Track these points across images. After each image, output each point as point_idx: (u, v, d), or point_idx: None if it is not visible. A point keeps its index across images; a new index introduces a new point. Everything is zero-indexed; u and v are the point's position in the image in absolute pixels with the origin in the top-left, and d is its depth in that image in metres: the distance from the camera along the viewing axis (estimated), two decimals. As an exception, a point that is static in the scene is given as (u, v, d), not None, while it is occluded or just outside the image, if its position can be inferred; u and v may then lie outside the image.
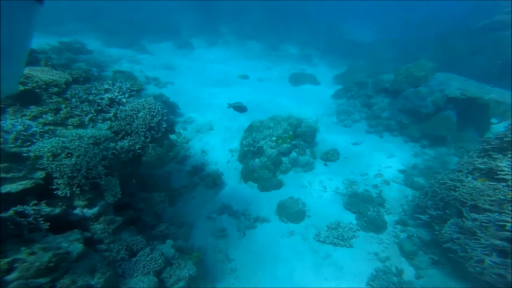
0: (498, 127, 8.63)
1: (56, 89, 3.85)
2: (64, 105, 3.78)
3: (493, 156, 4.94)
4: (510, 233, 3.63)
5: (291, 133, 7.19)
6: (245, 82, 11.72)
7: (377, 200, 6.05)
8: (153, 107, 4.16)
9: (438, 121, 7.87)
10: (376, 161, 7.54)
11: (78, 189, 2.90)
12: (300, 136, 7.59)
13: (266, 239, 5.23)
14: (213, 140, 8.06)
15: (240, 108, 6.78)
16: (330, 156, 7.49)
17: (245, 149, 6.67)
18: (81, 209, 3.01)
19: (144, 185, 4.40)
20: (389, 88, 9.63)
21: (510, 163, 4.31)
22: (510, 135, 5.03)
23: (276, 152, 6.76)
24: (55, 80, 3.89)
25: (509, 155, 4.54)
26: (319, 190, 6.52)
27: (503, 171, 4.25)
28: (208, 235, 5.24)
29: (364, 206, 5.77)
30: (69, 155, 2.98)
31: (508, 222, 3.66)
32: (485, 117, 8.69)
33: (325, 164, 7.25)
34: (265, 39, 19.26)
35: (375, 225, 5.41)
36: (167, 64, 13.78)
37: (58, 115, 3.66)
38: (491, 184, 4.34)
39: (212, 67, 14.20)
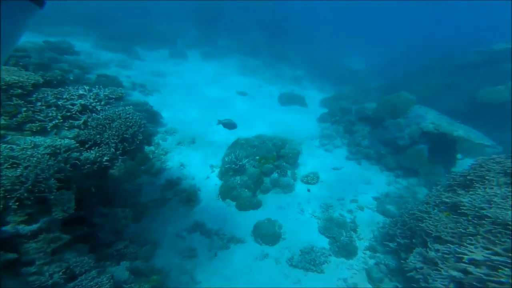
0: (462, 162, 9.19)
1: (20, 91, 3.56)
2: (25, 109, 3.47)
3: (457, 192, 5.27)
4: (467, 265, 3.83)
5: (274, 153, 7.35)
6: (235, 97, 11.93)
7: (350, 226, 6.21)
8: (130, 117, 4.00)
9: (412, 154, 8.28)
10: (353, 187, 7.79)
11: (17, 203, 2.60)
12: (283, 157, 7.76)
13: (239, 262, 5.17)
14: (194, 154, 7.90)
15: (229, 125, 6.88)
16: (310, 179, 7.66)
17: (227, 166, 6.72)
18: (14, 226, 2.65)
19: (106, 199, 4.20)
20: (370, 116, 10.09)
21: (471, 199, 4.59)
22: (472, 173, 5.41)
23: (258, 171, 6.86)
24: (21, 82, 3.61)
25: (471, 192, 4.85)
26: (296, 212, 6.62)
27: (464, 206, 4.53)
28: (174, 255, 5.01)
29: (338, 231, 5.90)
30: (14, 165, 2.71)
31: (465, 254, 3.86)
32: (452, 153, 9.23)
33: (308, 190, 7.26)
34: (260, 57, 19.83)
35: (346, 251, 5.53)
36: (157, 71, 13.68)
37: (14, 119, 3.36)
38: (454, 217, 4.60)
39: (203, 79, 14.34)
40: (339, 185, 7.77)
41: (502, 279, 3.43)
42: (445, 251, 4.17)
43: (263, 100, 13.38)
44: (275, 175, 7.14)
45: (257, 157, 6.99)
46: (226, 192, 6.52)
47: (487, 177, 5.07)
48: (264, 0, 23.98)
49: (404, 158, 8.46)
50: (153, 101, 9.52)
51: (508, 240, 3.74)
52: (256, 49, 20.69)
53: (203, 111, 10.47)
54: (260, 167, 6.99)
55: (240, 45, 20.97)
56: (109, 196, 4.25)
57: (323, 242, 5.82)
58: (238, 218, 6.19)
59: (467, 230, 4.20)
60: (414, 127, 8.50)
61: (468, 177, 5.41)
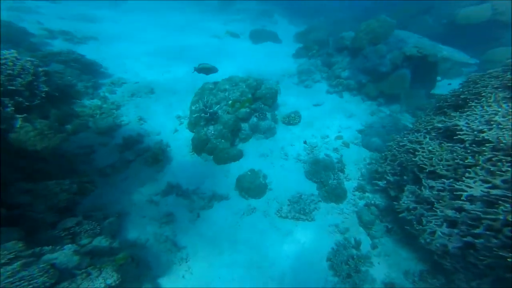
0: (440, 84, 8.74)
1: None
2: None
3: (450, 114, 4.67)
4: (463, 203, 3.35)
5: (249, 96, 6.22)
6: (198, 39, 9.93)
7: (337, 166, 5.69)
8: (14, 64, 2.73)
9: (395, 80, 7.55)
10: (336, 122, 7.13)
11: None
12: (260, 99, 6.68)
13: (225, 220, 4.58)
14: (155, 105, 6.58)
15: (207, 70, 5.55)
16: (292, 120, 6.82)
17: (195, 115, 5.57)
18: None
19: (29, 172, 3.10)
20: (349, 46, 8.89)
21: (468, 121, 3.99)
22: (466, 92, 4.77)
23: (233, 118, 5.81)
24: None
25: (467, 113, 4.24)
26: (280, 158, 5.92)
27: (461, 130, 3.93)
28: (148, 223, 4.29)
29: (325, 174, 5.36)
30: None
31: (463, 191, 3.34)
32: (432, 75, 8.65)
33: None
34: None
35: (335, 195, 5.08)
36: (84, 15, 10.84)
37: None
38: (448, 146, 4.05)
39: (152, 20, 11.69)
40: (322, 122, 7.06)
41: (499, 216, 2.93)
42: (440, 188, 3.67)
43: (232, 38, 11.44)
44: (253, 119, 6.16)
45: (230, 102, 5.84)
46: (199, 146, 5.55)
47: (483, 94, 4.43)
48: None
49: (386, 85, 7.73)
50: (89, 50, 7.49)
51: (509, 169, 3.14)
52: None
53: (158, 57, 8.58)
54: (235, 112, 5.92)
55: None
56: (33, 168, 3.11)
57: (311, 187, 5.30)
58: (218, 172, 5.39)
59: (466, 161, 3.58)
60: (396, 52, 7.53)
61: (461, 96, 4.77)
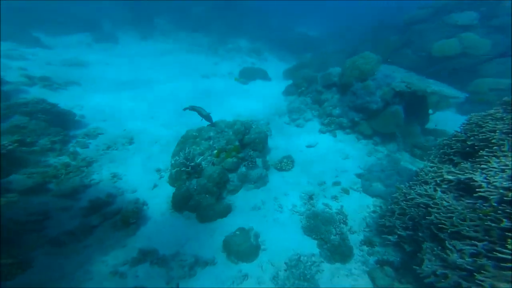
0: (433, 117, 8.43)
1: None
2: None
3: (459, 164, 4.10)
4: None
5: (236, 143, 5.63)
6: (185, 80, 9.63)
7: (338, 218, 4.94)
8: None
9: (387, 117, 7.15)
10: (332, 165, 6.52)
11: None
12: (249, 145, 6.09)
13: (210, 295, 3.68)
14: (133, 158, 5.89)
15: (201, 115, 5.37)
16: (285, 165, 6.19)
17: (175, 170, 4.89)
18: None
19: None
20: (337, 82, 8.68)
21: (486, 177, 3.40)
22: (472, 138, 4.26)
23: (219, 169, 5.14)
24: None
25: (481, 165, 3.66)
26: (274, 210, 5.17)
27: (481, 187, 3.32)
28: None
29: (325, 229, 4.60)
30: None
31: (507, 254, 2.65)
32: (424, 109, 8.37)
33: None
34: (211, 32, 17.00)
35: (340, 253, 4.28)
36: (73, 60, 10.50)
37: None
38: (468, 203, 3.40)
39: (141, 63, 11.50)
40: (317, 166, 6.44)
41: None
42: (473, 252, 2.98)
43: (221, 78, 11.28)
44: (242, 169, 5.50)
45: (215, 151, 5.22)
46: (181, 202, 4.79)
47: (493, 141, 3.91)
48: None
49: (379, 123, 7.30)
50: (67, 97, 6.95)
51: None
52: (204, 23, 17.64)
53: (142, 101, 8.14)
54: (221, 163, 5.27)
55: (184, 20, 17.61)
56: None
57: (311, 245, 4.51)
58: (202, 232, 4.58)
59: (501, 224, 2.88)
60: (386, 88, 7.24)
61: (468, 143, 4.25)
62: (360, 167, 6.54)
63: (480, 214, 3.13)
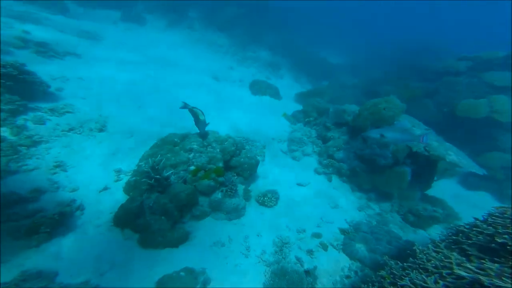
0: (435, 184, 7.73)
1: None
2: None
3: (471, 255, 3.39)
4: None
5: (220, 164, 4.99)
6: (192, 77, 9.07)
7: (307, 282, 4.24)
8: None
9: (392, 177, 6.49)
10: (318, 212, 5.86)
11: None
12: (235, 168, 5.47)
13: None
14: (95, 148, 4.97)
15: (198, 121, 4.73)
16: (268, 201, 5.53)
17: (133, 178, 4.22)
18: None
19: None
20: (350, 123, 8.05)
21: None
22: (508, 237, 3.52)
23: (190, 190, 4.48)
24: None
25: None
26: (239, 253, 4.49)
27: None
28: None
29: (289, 294, 3.89)
30: None
31: None
32: (431, 174, 7.68)
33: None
34: (236, 36, 16.57)
35: (297, 330, 3.56)
36: (89, 33, 9.86)
37: None
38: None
39: (156, 50, 10.95)
40: (302, 209, 5.79)
41: None
42: None
43: (231, 84, 10.73)
44: (217, 195, 4.84)
45: (192, 167, 4.58)
46: (126, 218, 3.97)
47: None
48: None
49: (381, 180, 6.64)
50: (58, 67, 6.32)
51: None
52: (232, 25, 17.21)
53: (136, 89, 7.43)
54: (195, 182, 4.62)
55: (213, 18, 17.25)
56: None
57: (268, 310, 3.79)
58: (139, 261, 3.75)
59: None
60: (401, 144, 6.58)
61: (496, 239, 3.47)
62: (347, 221, 5.88)
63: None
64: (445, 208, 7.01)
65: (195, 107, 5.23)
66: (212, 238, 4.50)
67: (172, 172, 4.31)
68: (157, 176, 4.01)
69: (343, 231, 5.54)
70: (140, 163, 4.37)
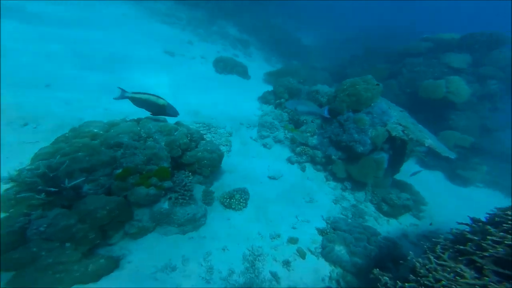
0: (402, 168, 7.35)
1: None
2: None
3: (487, 269, 2.67)
4: None
5: (165, 164, 3.58)
6: (145, 51, 7.11)
7: (284, 307, 3.29)
8: None
9: (369, 165, 5.79)
10: (293, 210, 4.94)
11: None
12: (191, 166, 4.11)
13: None
14: None
15: (152, 107, 3.49)
16: (235, 203, 4.37)
17: (13, 189, 2.63)
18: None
19: None
20: (323, 105, 7.06)
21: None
22: None
23: (115, 203, 3.06)
24: None
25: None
26: (198, 277, 3.31)
27: None
28: None
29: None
30: None
31: None
32: (401, 158, 7.23)
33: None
34: (199, 7, 14.17)
35: None
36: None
37: None
38: None
39: (96, 21, 8.52)
40: (276, 207, 4.78)
41: None
42: None
43: (190, 60, 8.91)
44: (163, 205, 3.50)
45: (119, 171, 3.12)
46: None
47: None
48: None
49: (357, 169, 5.88)
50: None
51: None
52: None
53: (54, 59, 5.48)
54: (126, 191, 3.19)
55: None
56: None
57: None
58: None
59: None
60: (380, 128, 5.79)
61: None
62: (323, 217, 5.04)
63: None
64: (413, 193, 6.63)
65: (141, 92, 3.54)
66: (156, 261, 3.22)
67: (83, 180, 2.79)
68: (51, 189, 2.48)
69: (320, 232, 4.69)
70: (30, 165, 2.72)
